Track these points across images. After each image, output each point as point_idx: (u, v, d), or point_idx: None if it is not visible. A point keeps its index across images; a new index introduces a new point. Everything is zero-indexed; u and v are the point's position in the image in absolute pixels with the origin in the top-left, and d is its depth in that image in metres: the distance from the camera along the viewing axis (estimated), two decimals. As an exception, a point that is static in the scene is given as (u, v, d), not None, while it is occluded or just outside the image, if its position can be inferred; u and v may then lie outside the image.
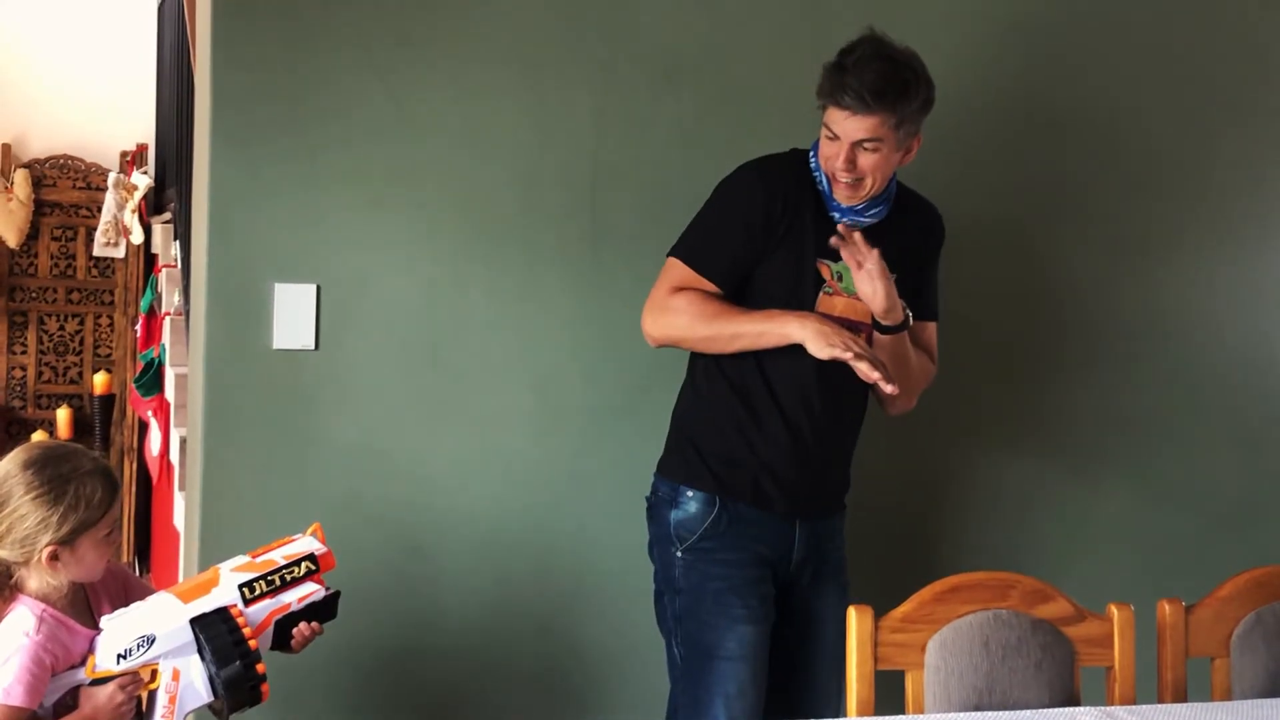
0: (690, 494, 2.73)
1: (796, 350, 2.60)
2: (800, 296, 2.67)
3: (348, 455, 2.99)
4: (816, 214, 2.68)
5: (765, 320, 2.62)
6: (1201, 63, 3.60)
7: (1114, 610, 2.52)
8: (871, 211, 2.68)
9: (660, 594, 2.79)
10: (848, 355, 2.52)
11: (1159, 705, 2.39)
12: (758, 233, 2.67)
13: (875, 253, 2.58)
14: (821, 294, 2.68)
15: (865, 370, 2.53)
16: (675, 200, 3.12)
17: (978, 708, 2.40)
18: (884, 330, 2.67)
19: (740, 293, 2.70)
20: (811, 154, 2.71)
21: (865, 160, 2.60)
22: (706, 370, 2.77)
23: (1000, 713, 2.32)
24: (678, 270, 2.71)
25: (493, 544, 3.08)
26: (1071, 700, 2.46)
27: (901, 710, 2.40)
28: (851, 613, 2.40)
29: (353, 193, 2.98)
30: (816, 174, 2.69)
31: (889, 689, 2.43)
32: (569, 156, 3.12)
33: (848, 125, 2.58)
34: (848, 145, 2.59)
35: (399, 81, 3.00)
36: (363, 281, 3.00)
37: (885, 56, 2.58)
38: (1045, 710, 2.34)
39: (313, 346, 2.96)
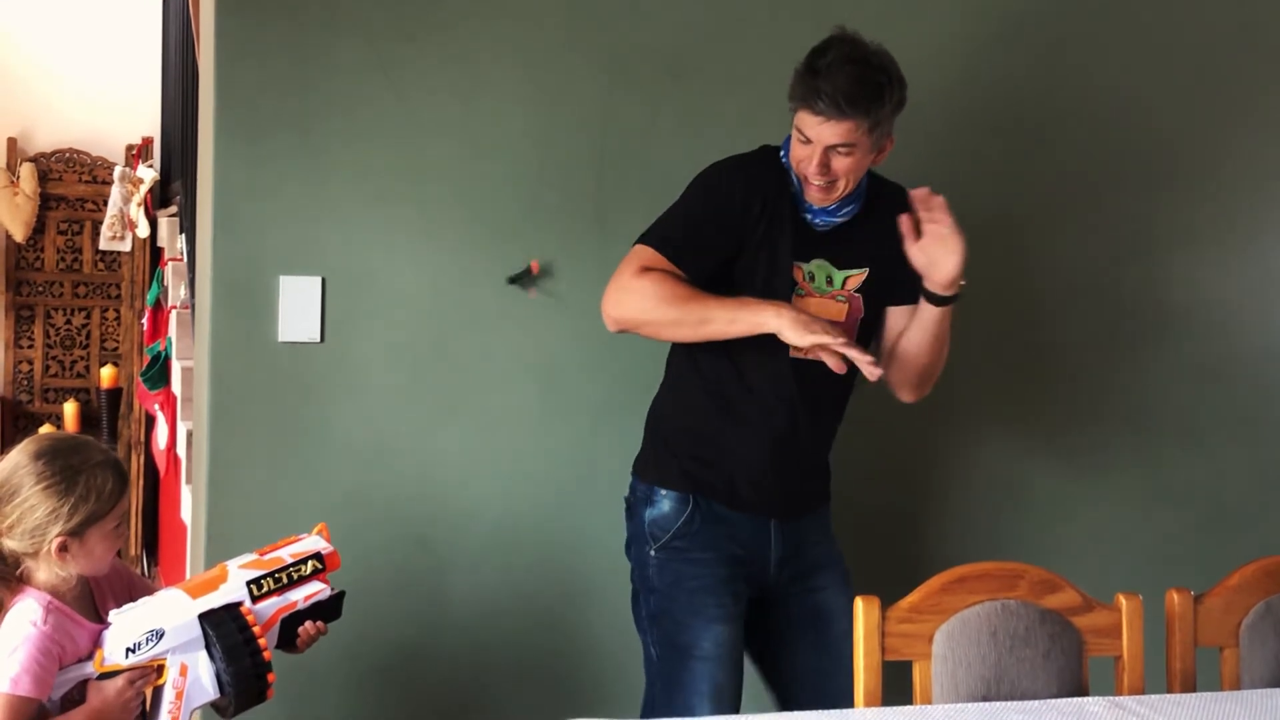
0: (664, 493, 2.72)
1: (772, 347, 2.55)
2: (773, 296, 2.61)
3: (353, 447, 3.00)
4: (792, 214, 2.65)
5: (739, 307, 2.56)
6: (1208, 56, 3.59)
7: (1122, 600, 2.51)
8: (844, 211, 2.64)
9: (636, 593, 2.78)
10: (828, 341, 2.47)
11: (1168, 695, 2.39)
12: (734, 230, 2.63)
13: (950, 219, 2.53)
14: (794, 296, 2.64)
15: (857, 355, 2.48)
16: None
17: (985, 698, 2.40)
18: (938, 301, 2.62)
19: (710, 289, 2.63)
20: (782, 153, 2.67)
21: (839, 164, 2.56)
22: (681, 368, 2.75)
23: (1008, 703, 2.32)
24: (647, 254, 2.63)
25: (498, 538, 3.08)
26: (1080, 690, 2.46)
27: (909, 701, 2.40)
28: (859, 603, 2.40)
29: (358, 186, 2.98)
30: (788, 174, 2.66)
31: (896, 680, 2.44)
32: (574, 150, 3.11)
33: (821, 130, 2.53)
34: (821, 149, 2.54)
35: (403, 75, 3.00)
36: (368, 274, 3.00)
37: (858, 60, 2.52)
38: (1053, 700, 2.33)
39: (318, 339, 2.96)
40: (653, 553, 2.71)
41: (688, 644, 2.66)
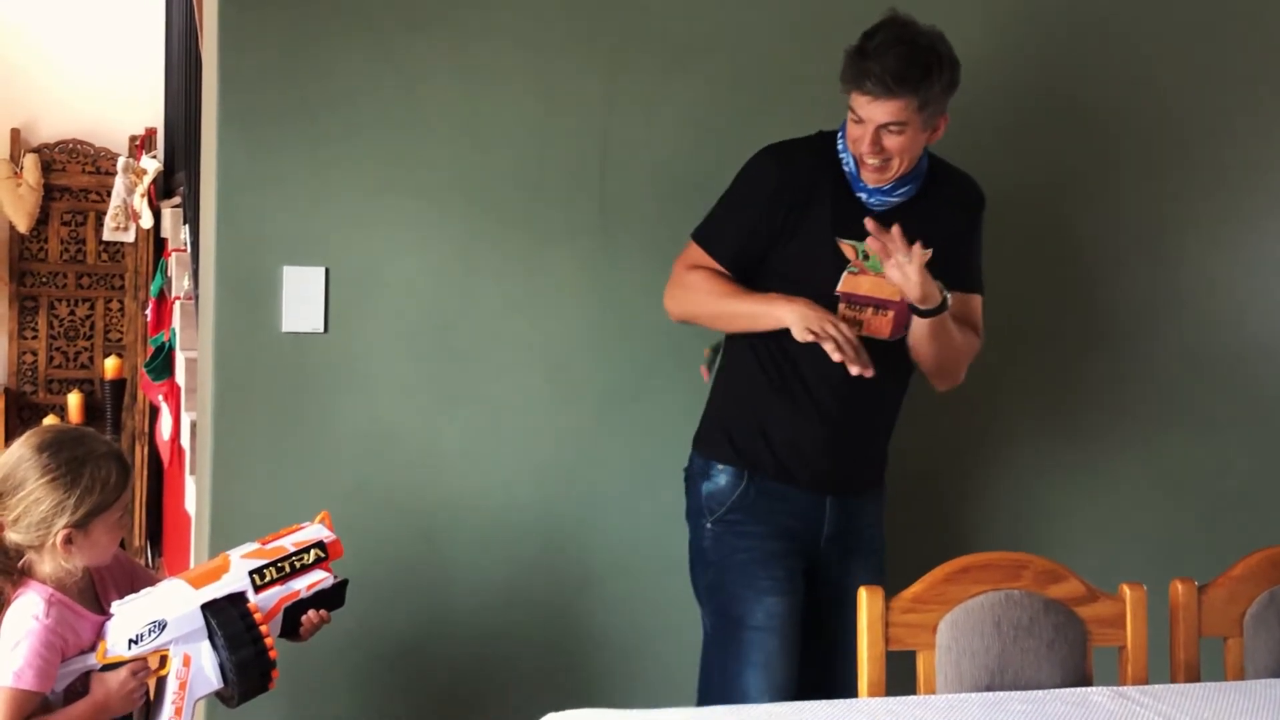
0: (720, 468, 2.79)
1: None
2: (820, 277, 2.69)
3: (357, 437, 2.99)
4: (840, 195, 2.71)
5: (762, 303, 2.68)
6: (1217, 46, 3.57)
7: (1126, 590, 2.51)
8: (900, 191, 2.70)
9: (693, 564, 2.86)
10: (815, 338, 2.57)
11: (1171, 685, 2.39)
12: (766, 217, 2.71)
13: (916, 247, 2.57)
14: (846, 274, 2.70)
15: (830, 350, 2.57)
16: (685, 182, 3.12)
17: (989, 688, 2.40)
18: (921, 314, 2.67)
19: (757, 275, 2.73)
20: (839, 135, 2.73)
21: (891, 142, 2.62)
22: (737, 349, 2.82)
23: (1012, 693, 2.32)
24: (694, 251, 2.78)
25: (503, 527, 3.08)
26: (1084, 680, 2.46)
27: (913, 691, 2.40)
28: (862, 593, 2.40)
29: (361, 176, 2.98)
30: (844, 155, 2.72)
31: (900, 670, 2.43)
32: (578, 139, 3.11)
33: (872, 110, 2.59)
34: (873, 128, 2.61)
35: (407, 65, 2.99)
36: (372, 264, 2.99)
37: (907, 40, 2.59)
38: (1057, 690, 2.33)
39: (322, 329, 2.96)
40: (709, 525, 2.79)
41: (740, 615, 2.74)
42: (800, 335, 2.59)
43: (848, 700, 2.31)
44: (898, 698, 2.29)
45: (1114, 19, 3.49)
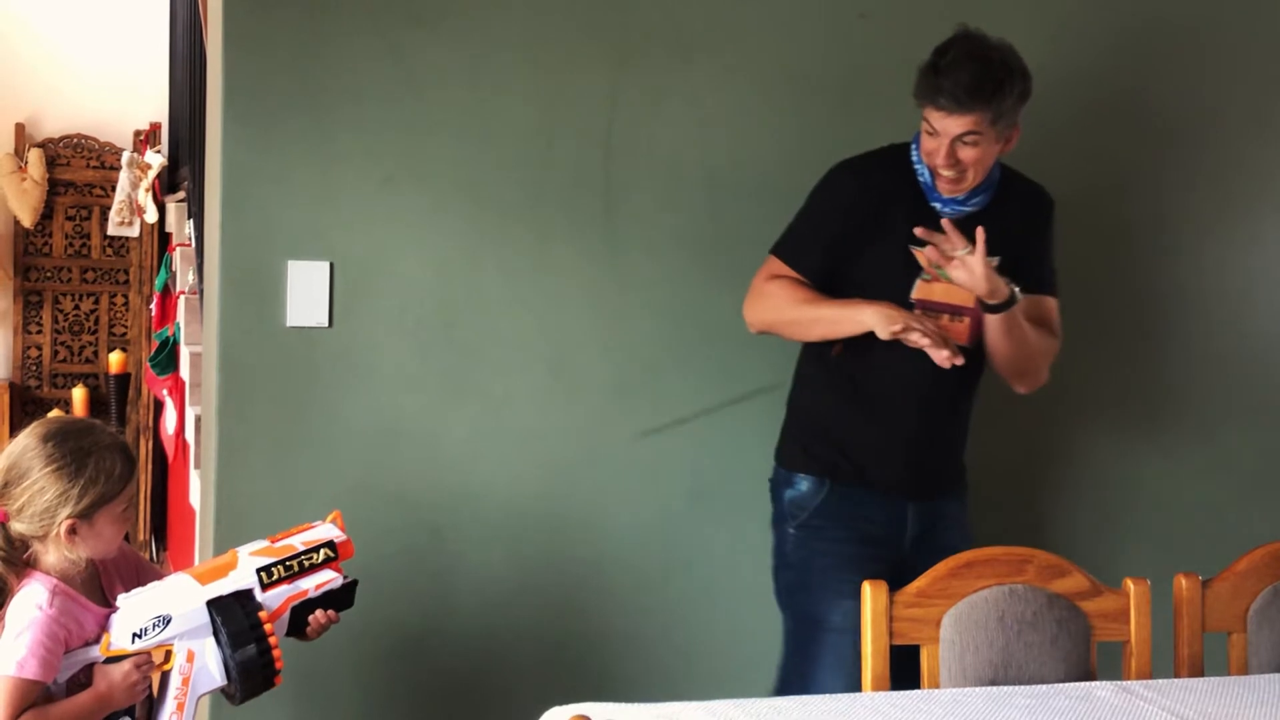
0: (800, 476, 2.86)
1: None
2: (896, 285, 2.75)
3: (361, 432, 2.99)
4: (915, 206, 2.76)
5: (843, 307, 2.72)
6: (1235, 57, 3.58)
7: (1130, 585, 2.51)
8: (973, 200, 2.76)
9: (776, 568, 2.91)
10: (899, 334, 2.61)
11: (1175, 680, 2.39)
12: (845, 230, 2.78)
13: (979, 242, 2.61)
14: (919, 281, 2.76)
15: (917, 338, 2.61)
16: (688, 177, 3.12)
17: (993, 682, 2.40)
18: (990, 310, 2.72)
19: (835, 285, 2.77)
20: (913, 146, 2.78)
21: (966, 154, 2.68)
22: (811, 358, 2.89)
23: (1016, 687, 2.32)
24: (774, 264, 2.83)
25: (508, 521, 3.08)
26: (1087, 675, 2.46)
27: (917, 685, 2.40)
28: (866, 588, 2.40)
29: (366, 170, 2.98)
30: (918, 166, 2.77)
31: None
32: (582, 134, 3.11)
33: (946, 123, 2.65)
34: (948, 141, 2.66)
35: (411, 60, 2.99)
36: (376, 259, 2.99)
37: (979, 55, 2.65)
38: (1061, 685, 2.33)
39: (326, 324, 2.96)
40: (792, 530, 2.87)
41: (820, 617, 2.80)
42: (885, 333, 2.63)
43: (851, 695, 2.31)
44: (902, 692, 2.29)
45: (1170, 23, 3.50)
